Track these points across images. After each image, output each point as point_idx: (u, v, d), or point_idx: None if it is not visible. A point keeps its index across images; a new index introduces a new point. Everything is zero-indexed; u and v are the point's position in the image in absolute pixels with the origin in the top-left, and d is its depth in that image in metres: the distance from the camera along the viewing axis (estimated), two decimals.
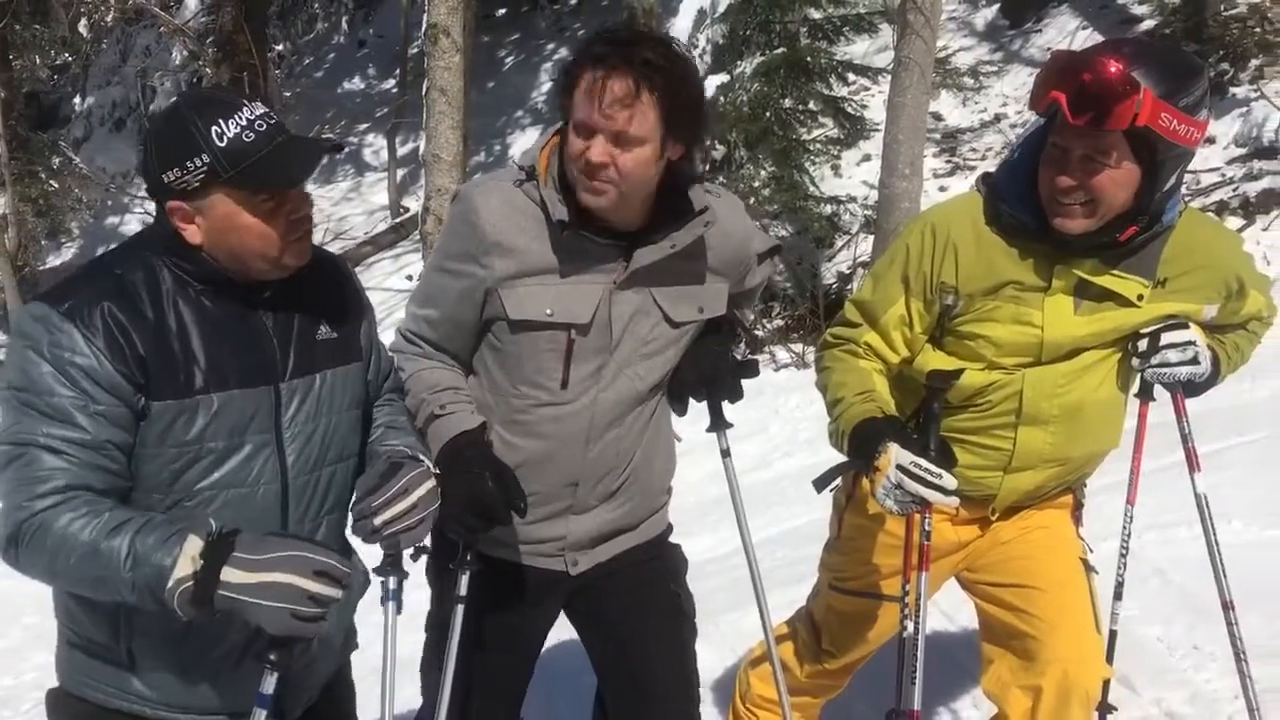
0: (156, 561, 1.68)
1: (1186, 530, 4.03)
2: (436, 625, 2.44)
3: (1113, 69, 2.09)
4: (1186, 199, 8.04)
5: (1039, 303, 2.35)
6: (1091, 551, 2.64)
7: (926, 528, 2.43)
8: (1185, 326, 2.40)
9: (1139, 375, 2.49)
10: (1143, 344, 2.40)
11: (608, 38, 2.09)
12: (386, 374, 2.24)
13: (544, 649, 2.57)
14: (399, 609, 2.08)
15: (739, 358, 2.43)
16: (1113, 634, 2.88)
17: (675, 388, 2.39)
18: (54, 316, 1.77)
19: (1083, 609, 2.52)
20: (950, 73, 10.70)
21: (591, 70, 2.05)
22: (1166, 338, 2.39)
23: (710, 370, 2.36)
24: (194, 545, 1.68)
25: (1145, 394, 2.67)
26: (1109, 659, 2.82)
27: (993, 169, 2.48)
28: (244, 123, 1.79)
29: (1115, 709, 3.03)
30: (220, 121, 1.78)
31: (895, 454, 2.25)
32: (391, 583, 2.06)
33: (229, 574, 1.67)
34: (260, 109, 1.83)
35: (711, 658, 3.84)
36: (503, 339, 2.25)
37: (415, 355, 2.32)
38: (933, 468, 2.23)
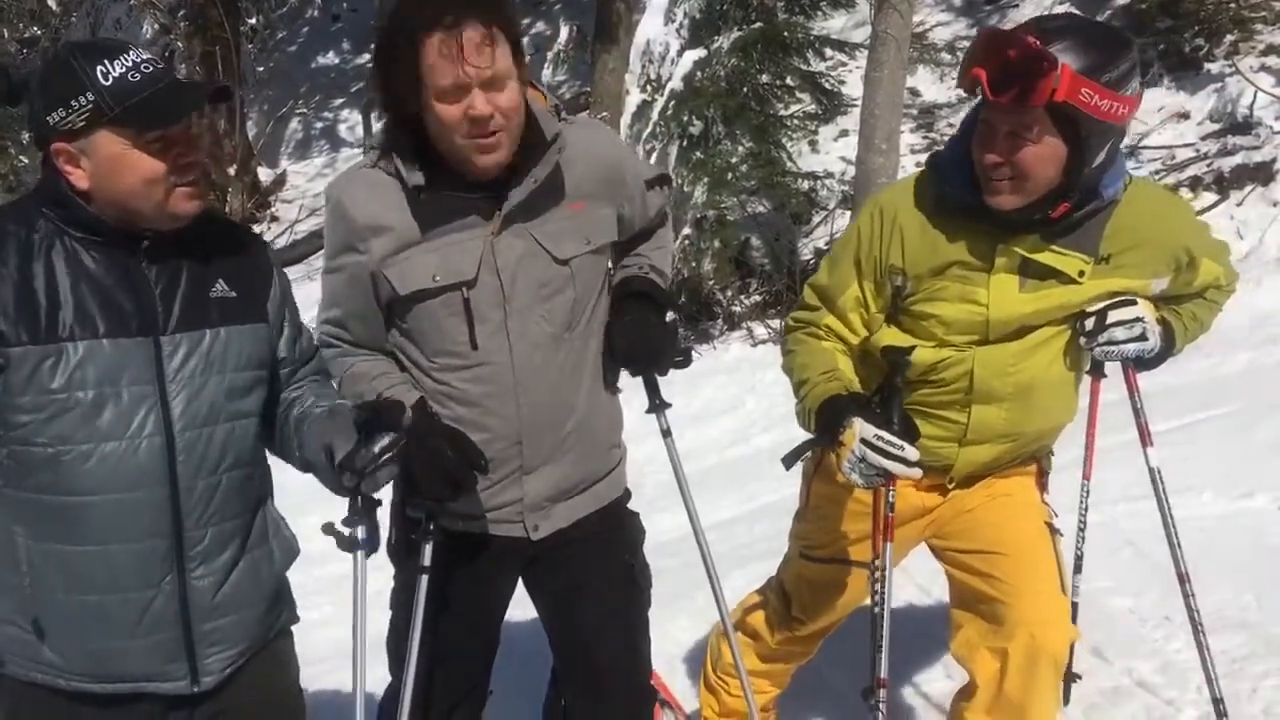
0: None
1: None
2: (401, 602, 2.44)
3: (1031, 45, 2.11)
4: (1161, 174, 8.05)
5: (984, 282, 2.38)
6: (1056, 516, 2.68)
7: (890, 500, 2.47)
8: (1133, 303, 2.42)
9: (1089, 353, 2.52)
10: (1089, 323, 2.42)
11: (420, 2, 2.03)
12: (308, 355, 2.23)
13: (520, 622, 2.57)
14: (373, 549, 2.10)
15: (678, 333, 2.43)
16: (1073, 605, 2.91)
17: (605, 358, 2.38)
18: None
19: (1048, 572, 2.56)
20: (928, 48, 10.67)
21: (434, 34, 2.00)
22: (1113, 315, 2.40)
23: (639, 340, 2.36)
24: None
25: (1096, 371, 2.71)
26: None
27: (940, 150, 2.49)
28: (130, 64, 1.82)
29: (1079, 677, 3.07)
30: (106, 62, 1.81)
31: (859, 428, 2.31)
32: (361, 531, 2.06)
33: None
34: (147, 55, 1.85)
35: (689, 629, 3.87)
36: (405, 317, 2.26)
37: (339, 355, 2.33)
38: (895, 440, 2.28)
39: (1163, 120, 8.73)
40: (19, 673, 2.00)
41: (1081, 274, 2.36)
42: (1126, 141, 8.46)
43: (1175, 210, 2.56)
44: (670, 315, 2.47)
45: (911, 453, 2.29)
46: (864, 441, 2.29)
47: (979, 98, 2.24)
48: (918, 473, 2.33)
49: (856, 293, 2.50)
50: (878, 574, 2.55)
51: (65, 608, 1.93)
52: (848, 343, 2.55)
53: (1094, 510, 3.51)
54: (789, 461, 2.57)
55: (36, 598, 1.93)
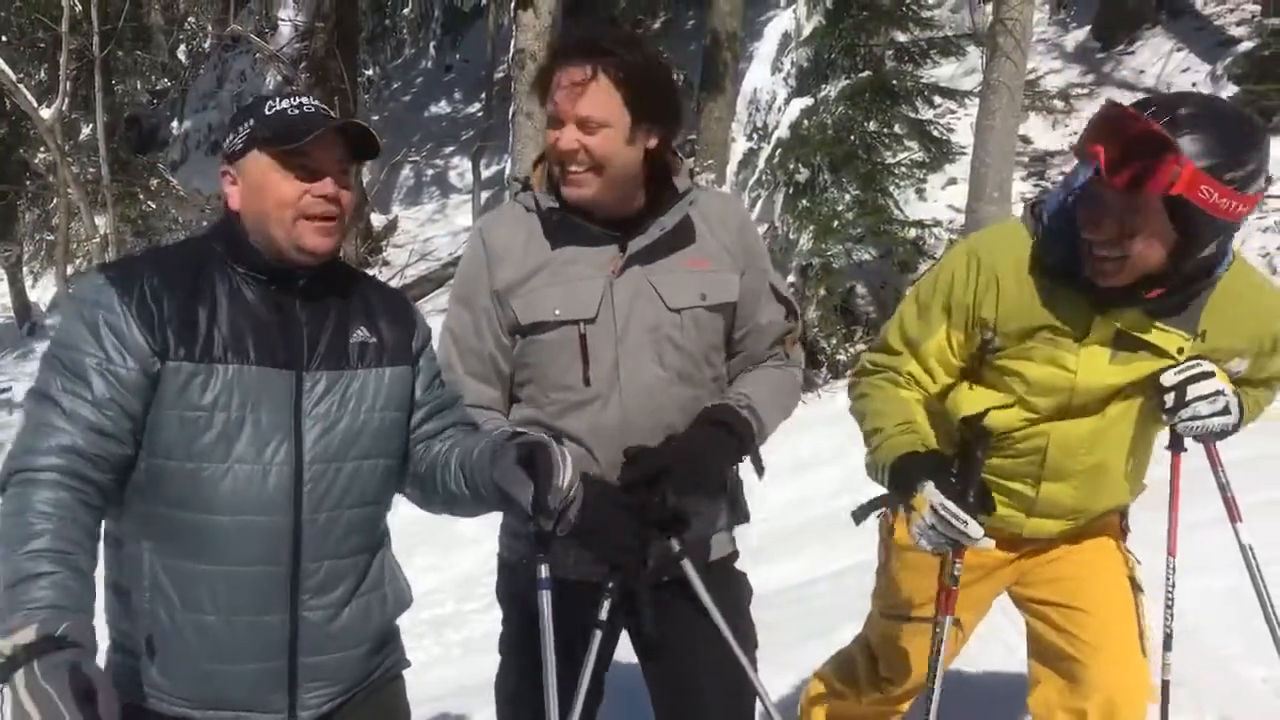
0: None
1: None
2: (511, 647, 2.43)
3: (1156, 133, 2.01)
4: None
5: (1074, 350, 2.31)
6: (1139, 563, 2.59)
7: (955, 572, 2.38)
8: (1210, 375, 2.32)
9: (1169, 428, 2.44)
10: (1169, 398, 2.32)
11: (574, 37, 2.22)
12: (446, 402, 2.22)
13: (625, 675, 2.54)
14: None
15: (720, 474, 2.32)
16: (1165, 684, 2.78)
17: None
18: (101, 279, 1.95)
19: (1128, 632, 2.49)
20: (1039, 95, 10.51)
21: (559, 67, 2.17)
22: (1193, 390, 2.30)
23: (670, 460, 2.23)
24: (23, 635, 1.66)
25: (1176, 446, 2.60)
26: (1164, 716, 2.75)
27: (1043, 199, 2.40)
28: (293, 104, 2.01)
29: None
30: (275, 100, 2.02)
31: (929, 494, 2.22)
32: (544, 570, 2.07)
33: (19, 677, 1.64)
34: (315, 105, 2.03)
35: (780, 686, 3.79)
36: (525, 350, 2.30)
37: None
38: (960, 514, 2.18)
39: None
40: (127, 696, 2.00)
41: (1180, 350, 2.30)
42: None
43: (1266, 294, 2.46)
44: (735, 457, 2.34)
45: (975, 529, 2.19)
46: (932, 509, 2.21)
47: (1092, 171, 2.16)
48: (989, 544, 2.24)
49: (944, 341, 2.42)
50: (940, 632, 2.47)
51: (180, 626, 1.96)
52: (927, 392, 2.48)
53: (1222, 574, 3.36)
54: (859, 517, 2.52)
55: (154, 614, 1.96)
